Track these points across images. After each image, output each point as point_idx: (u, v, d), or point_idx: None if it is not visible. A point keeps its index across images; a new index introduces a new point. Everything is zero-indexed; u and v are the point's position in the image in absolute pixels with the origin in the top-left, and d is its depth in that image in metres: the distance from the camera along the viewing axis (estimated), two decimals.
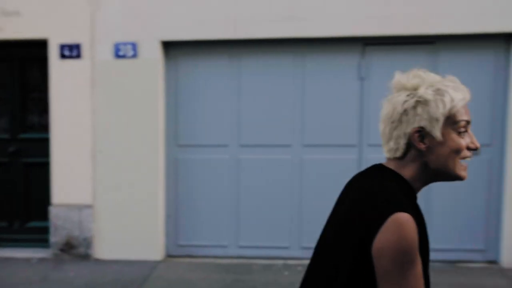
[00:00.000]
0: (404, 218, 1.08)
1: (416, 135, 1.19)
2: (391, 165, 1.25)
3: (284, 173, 4.91)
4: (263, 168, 4.92)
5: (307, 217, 4.90)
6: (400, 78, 1.25)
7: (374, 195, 1.16)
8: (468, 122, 1.21)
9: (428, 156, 1.20)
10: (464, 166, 1.23)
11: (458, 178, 1.22)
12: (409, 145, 1.21)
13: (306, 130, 4.85)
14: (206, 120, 4.94)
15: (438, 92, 1.18)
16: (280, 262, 4.90)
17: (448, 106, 1.17)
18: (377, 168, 1.29)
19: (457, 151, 1.19)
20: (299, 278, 4.64)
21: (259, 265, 4.83)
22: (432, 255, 5.04)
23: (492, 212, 4.72)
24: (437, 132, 1.18)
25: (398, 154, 1.23)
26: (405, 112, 1.20)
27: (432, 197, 4.76)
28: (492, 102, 4.68)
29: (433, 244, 4.73)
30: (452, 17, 4.52)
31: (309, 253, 5.64)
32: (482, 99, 4.67)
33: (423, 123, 1.18)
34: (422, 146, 1.19)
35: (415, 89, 1.20)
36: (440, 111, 1.17)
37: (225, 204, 4.98)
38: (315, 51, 4.81)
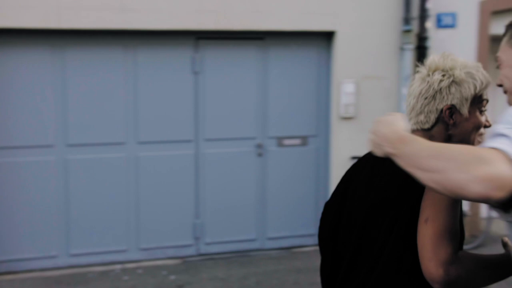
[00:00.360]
0: None
1: (448, 111, 1.34)
2: (419, 136, 1.25)
3: (118, 172, 4.63)
4: (95, 168, 4.57)
5: (144, 217, 4.70)
6: (435, 58, 1.40)
7: None
8: (487, 101, 1.38)
9: (454, 130, 1.36)
10: (479, 141, 1.38)
11: None
12: (438, 119, 1.37)
13: (140, 127, 4.64)
14: (25, 118, 4.41)
15: (470, 75, 1.35)
16: (118, 266, 4.63)
17: (478, 88, 1.35)
18: None
19: (478, 127, 1.37)
20: (140, 281, 4.46)
21: (95, 272, 4.50)
22: (269, 244, 5.21)
23: (320, 198, 5.06)
24: (465, 110, 1.35)
25: (427, 126, 1.38)
26: (440, 90, 1.35)
27: (266, 189, 4.94)
28: (317, 95, 5.02)
29: (269, 233, 5.03)
30: (280, 14, 4.71)
31: (149, 255, 5.39)
32: (308, 93, 4.99)
33: (455, 101, 1.35)
34: (451, 121, 1.35)
35: (451, 70, 1.36)
36: (471, 92, 1.34)
37: (52, 211, 4.51)
38: (147, 45, 4.61)
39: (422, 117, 1.38)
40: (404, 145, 1.11)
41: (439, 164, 0.99)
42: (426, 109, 1.37)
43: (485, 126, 1.40)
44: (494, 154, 0.96)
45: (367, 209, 1.41)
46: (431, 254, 1.18)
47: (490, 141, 1.02)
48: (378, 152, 1.21)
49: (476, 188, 0.92)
